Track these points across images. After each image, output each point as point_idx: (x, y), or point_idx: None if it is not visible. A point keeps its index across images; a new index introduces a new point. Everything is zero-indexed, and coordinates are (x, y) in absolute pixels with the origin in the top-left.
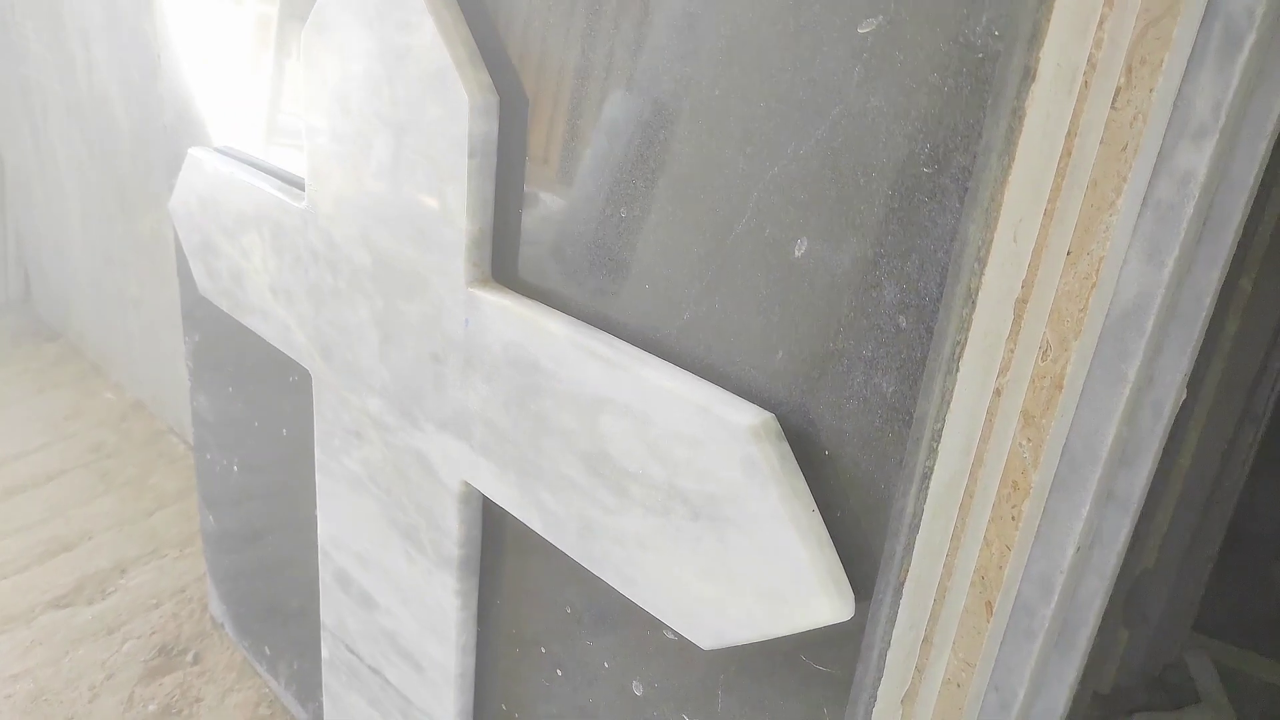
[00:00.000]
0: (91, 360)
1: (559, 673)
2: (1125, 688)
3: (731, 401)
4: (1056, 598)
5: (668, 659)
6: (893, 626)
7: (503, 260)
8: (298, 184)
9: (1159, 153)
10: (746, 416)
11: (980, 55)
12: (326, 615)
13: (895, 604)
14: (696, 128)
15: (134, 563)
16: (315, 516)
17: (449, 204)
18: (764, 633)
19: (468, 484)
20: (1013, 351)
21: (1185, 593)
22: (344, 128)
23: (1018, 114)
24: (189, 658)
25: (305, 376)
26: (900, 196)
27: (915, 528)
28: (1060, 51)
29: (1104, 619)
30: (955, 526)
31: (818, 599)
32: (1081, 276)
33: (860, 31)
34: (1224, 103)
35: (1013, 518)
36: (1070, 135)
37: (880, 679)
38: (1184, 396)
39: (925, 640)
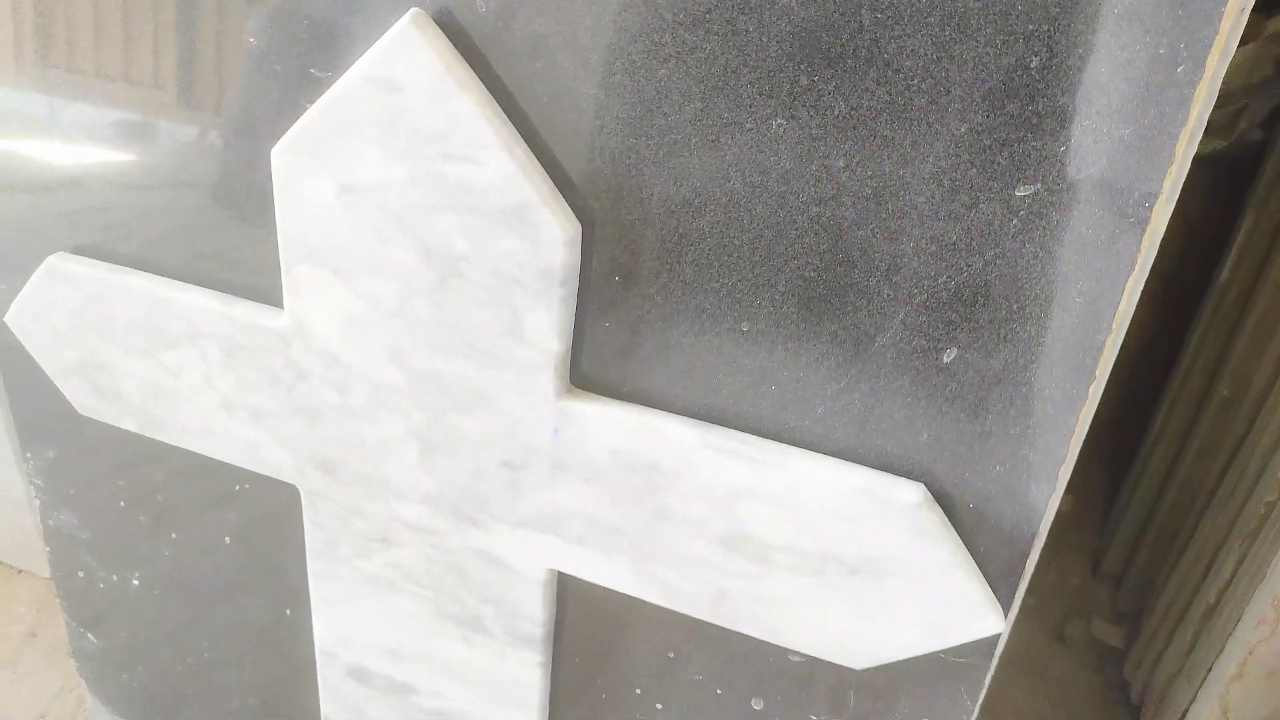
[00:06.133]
0: None
1: (658, 706)
2: None
3: (891, 481)
4: None
5: (794, 675)
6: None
7: (584, 366)
8: (252, 296)
9: None
10: (911, 494)
11: (1133, 220)
12: (331, 710)
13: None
14: (834, 260)
15: None
16: (287, 615)
17: (529, 328)
18: (920, 650)
19: (554, 570)
20: None
21: None
22: (354, 250)
23: (1143, 268)
24: None
25: (256, 485)
26: (1054, 316)
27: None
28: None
29: None
30: None
31: (978, 620)
32: None
33: (1018, 194)
34: None
35: None
36: None
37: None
38: None
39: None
